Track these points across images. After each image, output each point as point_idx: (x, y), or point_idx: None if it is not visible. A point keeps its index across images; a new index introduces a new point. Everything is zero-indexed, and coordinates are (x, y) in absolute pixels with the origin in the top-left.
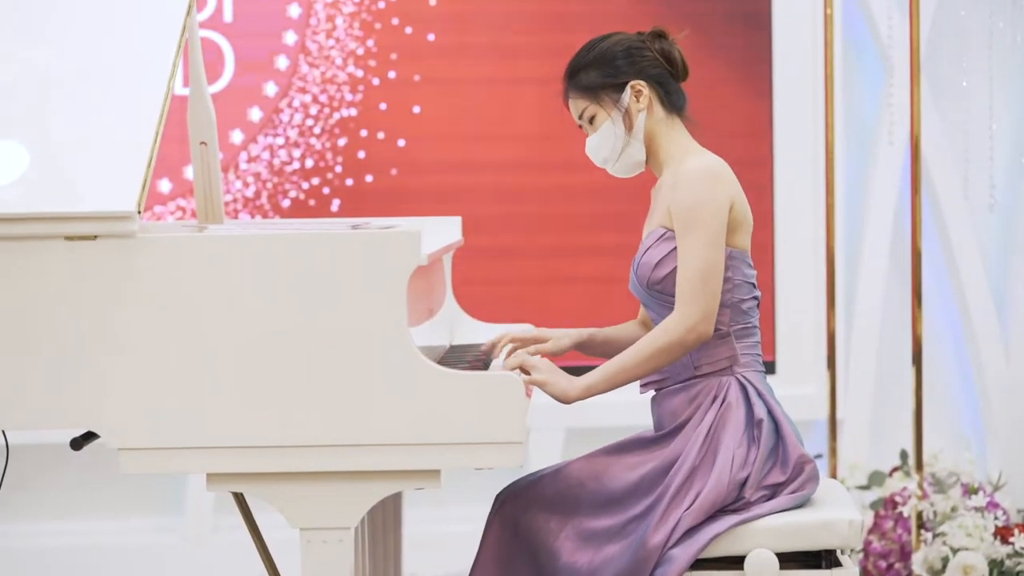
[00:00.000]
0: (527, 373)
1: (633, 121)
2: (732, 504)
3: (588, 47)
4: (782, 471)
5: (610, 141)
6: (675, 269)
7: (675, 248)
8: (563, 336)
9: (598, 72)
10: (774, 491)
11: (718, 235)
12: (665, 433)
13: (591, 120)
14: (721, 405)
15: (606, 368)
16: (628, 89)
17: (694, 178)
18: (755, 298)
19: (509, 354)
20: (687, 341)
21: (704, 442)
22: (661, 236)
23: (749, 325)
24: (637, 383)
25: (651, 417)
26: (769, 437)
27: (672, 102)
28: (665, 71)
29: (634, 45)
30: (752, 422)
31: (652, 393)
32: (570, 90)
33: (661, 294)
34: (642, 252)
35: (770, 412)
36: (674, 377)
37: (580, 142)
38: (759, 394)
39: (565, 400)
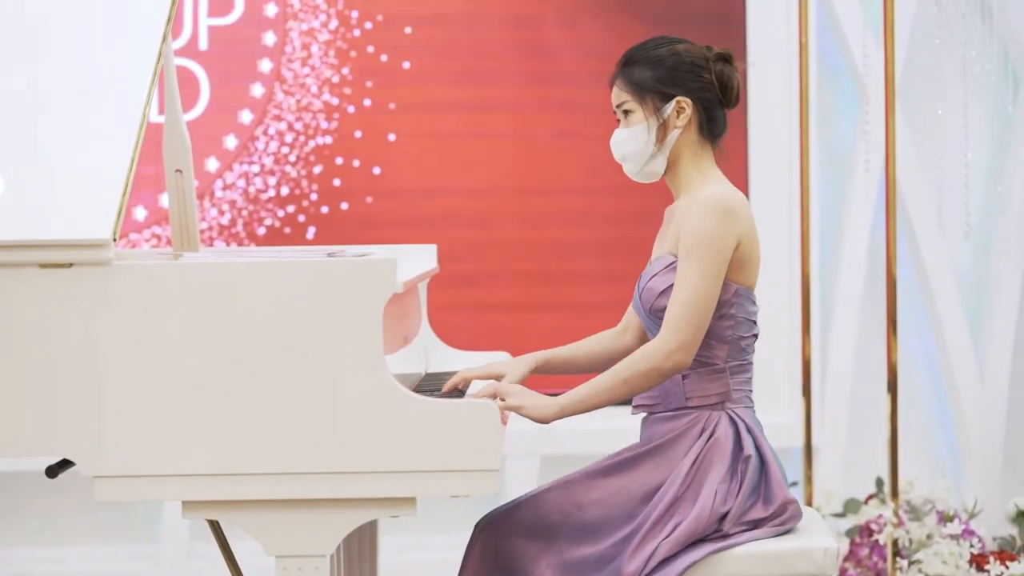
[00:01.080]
0: (502, 400)
1: (667, 134)
2: (710, 536)
3: (655, 43)
4: (764, 508)
5: (637, 145)
6: None
7: None
8: (518, 364)
9: (652, 74)
10: (755, 525)
11: (717, 269)
12: (648, 457)
13: (626, 114)
14: (709, 439)
15: (582, 389)
16: (673, 103)
17: (706, 208)
18: (754, 335)
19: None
20: (664, 368)
21: (688, 474)
22: (668, 265)
23: (745, 362)
24: (628, 405)
25: (637, 439)
26: (754, 474)
27: (710, 129)
28: (716, 97)
29: (695, 61)
30: (739, 458)
31: (643, 415)
32: (619, 78)
33: (662, 321)
34: (648, 276)
35: (758, 449)
36: (665, 404)
37: (557, 169)
38: (748, 430)
39: (544, 421)
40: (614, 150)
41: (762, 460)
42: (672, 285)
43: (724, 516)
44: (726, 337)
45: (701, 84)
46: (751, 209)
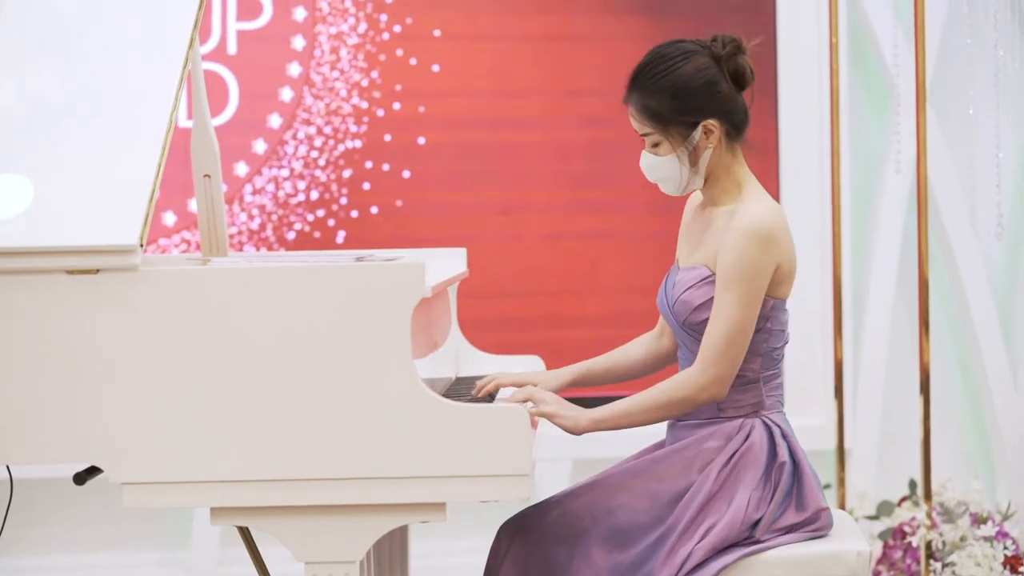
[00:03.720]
0: (534, 405)
1: (699, 157)
2: (742, 541)
3: (665, 66)
4: (797, 513)
5: (671, 171)
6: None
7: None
8: (554, 376)
9: (672, 105)
10: (787, 531)
11: (756, 298)
12: (677, 458)
13: (654, 144)
14: (744, 442)
15: (617, 406)
16: (699, 128)
17: (748, 237)
18: (785, 342)
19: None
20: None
21: (719, 475)
22: (704, 279)
23: (777, 370)
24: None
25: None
26: (788, 479)
27: (737, 129)
28: (736, 102)
29: (710, 80)
30: (773, 464)
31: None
32: (636, 106)
33: (697, 334)
34: (683, 287)
35: (792, 454)
36: (697, 414)
37: (586, 174)
38: (784, 436)
39: (576, 431)
40: (647, 174)
41: (796, 465)
42: (708, 299)
43: (756, 523)
44: (760, 350)
45: (721, 99)
46: (787, 220)
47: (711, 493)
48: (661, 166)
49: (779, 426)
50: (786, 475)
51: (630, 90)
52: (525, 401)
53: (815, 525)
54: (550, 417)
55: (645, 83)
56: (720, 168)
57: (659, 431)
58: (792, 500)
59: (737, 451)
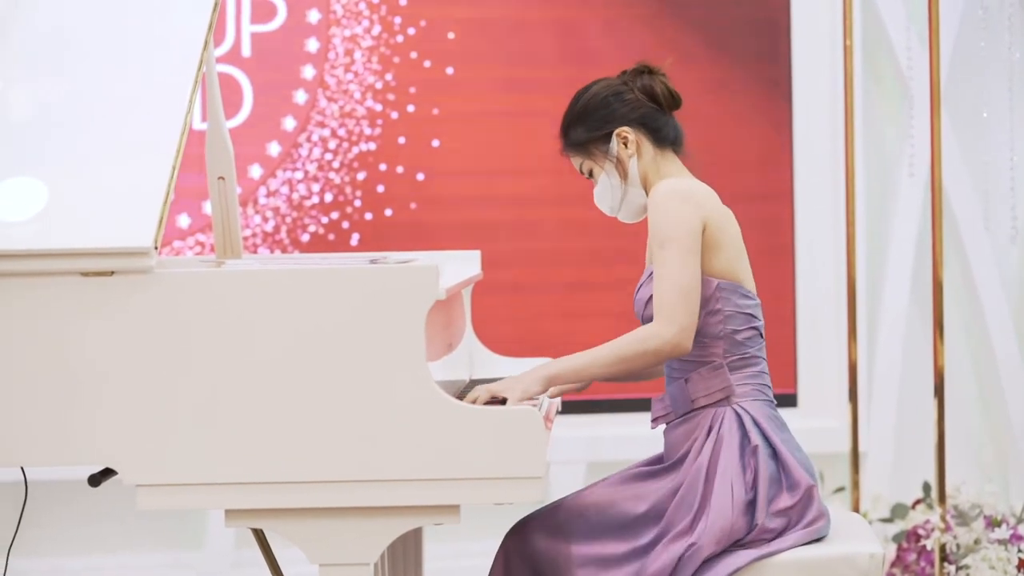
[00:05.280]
0: (502, 402)
1: (626, 168)
2: (749, 534)
3: (573, 102)
4: (790, 495)
5: (609, 192)
6: None
7: None
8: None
9: (583, 127)
10: (788, 517)
11: (691, 249)
12: (668, 465)
13: (590, 173)
14: (716, 437)
15: (574, 360)
16: (615, 138)
17: (662, 197)
18: (754, 328)
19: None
20: (662, 351)
21: (704, 476)
22: (651, 275)
23: (747, 355)
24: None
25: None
26: (767, 463)
27: (662, 138)
28: (649, 109)
29: (613, 91)
30: (747, 450)
31: (662, 427)
32: (565, 148)
33: None
34: (638, 288)
35: (766, 439)
36: (676, 411)
37: None
38: (755, 422)
39: (528, 397)
40: (601, 208)
41: (774, 450)
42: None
43: (753, 507)
44: (718, 333)
45: (628, 107)
46: (718, 199)
47: (698, 493)
48: (602, 193)
49: (749, 413)
50: (763, 458)
51: (561, 138)
52: (485, 403)
53: (813, 507)
54: (500, 392)
55: (565, 123)
56: (654, 176)
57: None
58: (782, 484)
59: (714, 445)
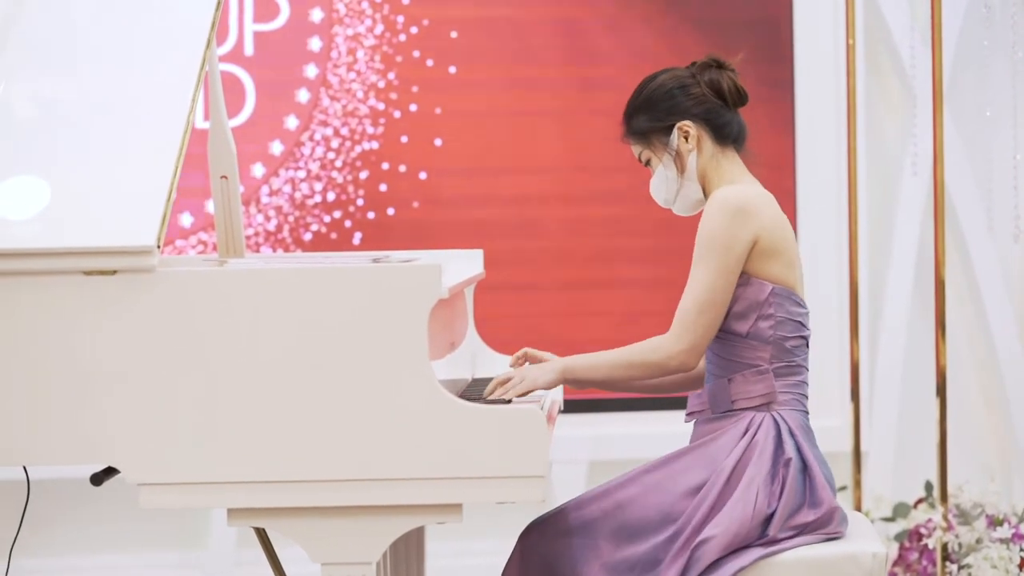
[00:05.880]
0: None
1: (685, 162)
2: (756, 541)
3: (639, 89)
4: (812, 512)
5: (665, 184)
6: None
7: None
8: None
9: (646, 116)
10: (802, 530)
11: (728, 269)
12: (690, 453)
13: (648, 162)
14: (751, 439)
15: (587, 358)
16: (676, 131)
17: (716, 208)
18: (802, 336)
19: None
20: (668, 366)
21: (731, 475)
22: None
23: (793, 363)
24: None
25: (687, 444)
26: (797, 477)
27: (725, 135)
28: (714, 105)
29: (680, 84)
30: (779, 460)
31: (693, 421)
32: (626, 134)
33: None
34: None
35: (800, 452)
36: (713, 408)
37: (603, 174)
38: (791, 433)
39: (549, 386)
40: (657, 199)
41: (805, 464)
42: None
43: (769, 520)
44: (767, 338)
45: (693, 101)
46: (776, 206)
47: (722, 492)
48: (658, 184)
49: (787, 423)
50: (794, 472)
51: (624, 124)
52: (491, 399)
53: (829, 527)
54: (532, 388)
55: (628, 109)
56: (711, 171)
57: (680, 435)
58: (806, 499)
59: (746, 449)
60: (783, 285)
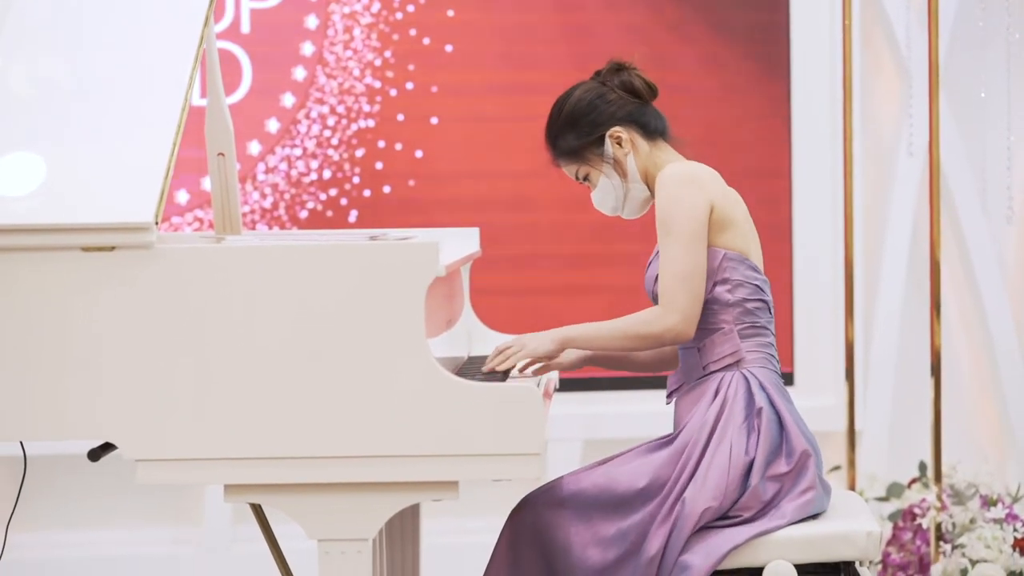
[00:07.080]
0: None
1: (625, 167)
2: (741, 497)
3: (556, 110)
4: (787, 462)
5: (611, 193)
6: None
7: None
8: (573, 353)
9: (573, 134)
10: (780, 483)
11: (695, 236)
12: (674, 435)
13: (586, 178)
14: (723, 399)
15: (585, 327)
16: (608, 140)
17: (667, 183)
18: (762, 300)
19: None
20: (664, 338)
21: (706, 436)
22: (658, 253)
23: (757, 324)
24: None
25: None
26: (771, 427)
27: (652, 129)
28: (634, 104)
29: (596, 94)
30: (752, 411)
31: (674, 400)
32: (556, 157)
33: None
34: (648, 264)
35: (771, 403)
36: (688, 380)
37: None
38: (761, 386)
39: (551, 356)
40: (602, 210)
41: (777, 414)
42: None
43: (749, 469)
44: (727, 300)
45: (613, 106)
46: (722, 181)
47: (700, 452)
48: (603, 196)
49: (757, 378)
50: (767, 423)
51: (549, 149)
52: (490, 370)
53: (804, 481)
54: (531, 356)
55: (551, 132)
56: (653, 168)
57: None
58: (781, 449)
59: (720, 408)
60: (735, 251)
